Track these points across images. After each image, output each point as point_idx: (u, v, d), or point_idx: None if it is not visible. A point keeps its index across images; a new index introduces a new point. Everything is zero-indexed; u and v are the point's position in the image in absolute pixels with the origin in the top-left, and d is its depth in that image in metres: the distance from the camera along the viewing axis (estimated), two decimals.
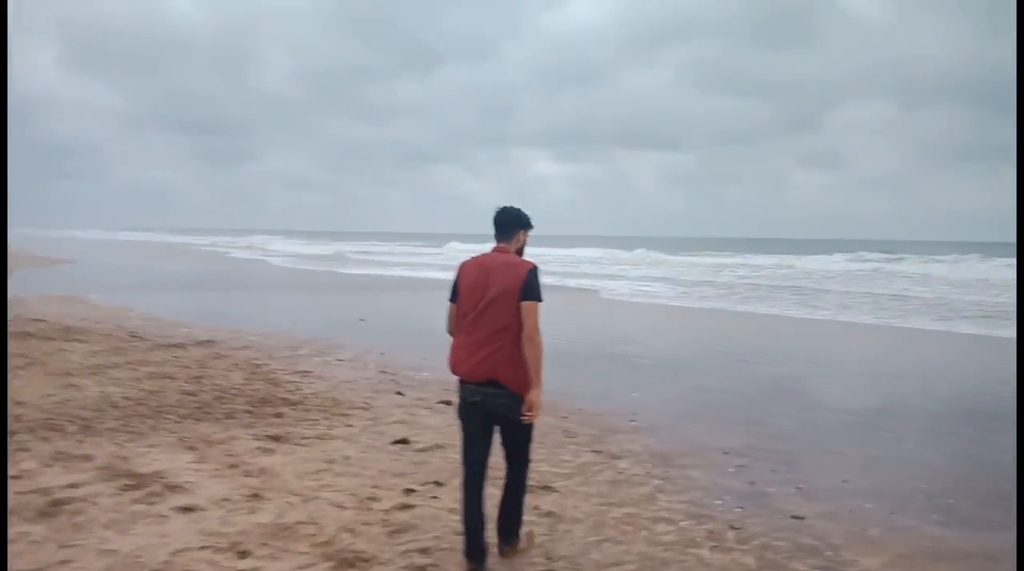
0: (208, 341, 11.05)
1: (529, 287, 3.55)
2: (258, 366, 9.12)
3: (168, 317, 14.01)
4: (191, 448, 5.59)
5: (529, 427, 3.73)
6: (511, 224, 3.79)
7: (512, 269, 3.61)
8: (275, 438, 5.93)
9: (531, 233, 3.89)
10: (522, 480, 3.89)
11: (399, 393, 7.78)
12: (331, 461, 5.37)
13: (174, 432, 6.02)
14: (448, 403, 7.34)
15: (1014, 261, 37.29)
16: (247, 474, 5.03)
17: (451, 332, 3.80)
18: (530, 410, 3.57)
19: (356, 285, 25.26)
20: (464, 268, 3.76)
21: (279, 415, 6.69)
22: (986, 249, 51.55)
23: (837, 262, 39.13)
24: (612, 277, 29.55)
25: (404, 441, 5.91)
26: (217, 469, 5.12)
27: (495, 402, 3.62)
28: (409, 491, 4.81)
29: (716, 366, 10.44)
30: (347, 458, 5.46)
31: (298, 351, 10.42)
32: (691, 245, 68.69)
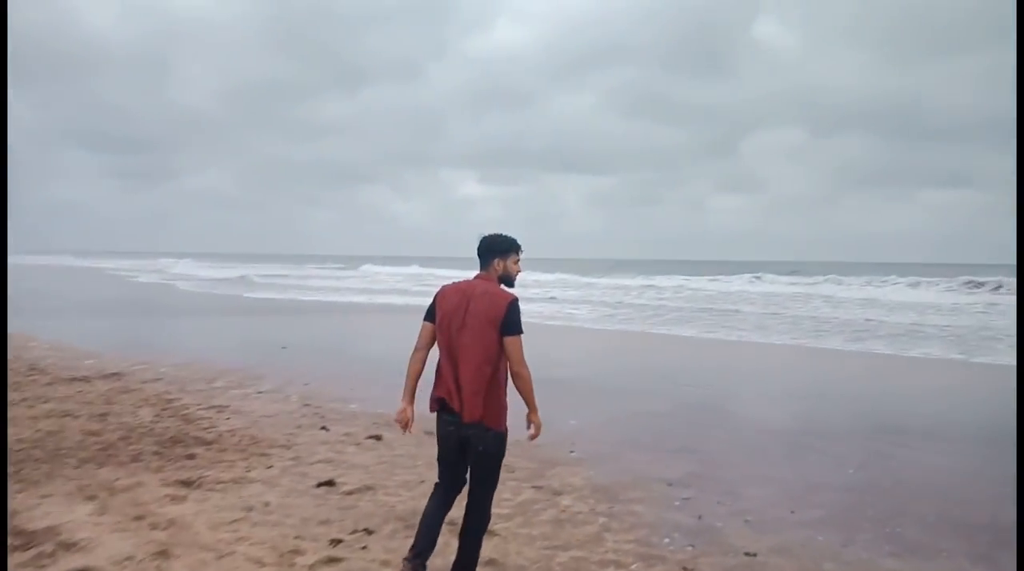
0: (116, 373, 10.32)
1: (511, 321, 3.55)
2: (170, 401, 8.50)
3: (74, 347, 13.11)
4: (91, 497, 5.05)
5: (497, 458, 3.67)
6: (485, 253, 3.76)
7: (492, 299, 3.61)
8: (186, 483, 5.42)
9: (501, 258, 3.78)
10: (486, 508, 3.73)
11: (324, 428, 7.31)
12: (249, 508, 4.90)
13: (72, 479, 5.45)
14: (378, 438, 6.93)
15: (921, 280, 38.92)
16: (154, 527, 4.53)
17: (417, 348, 3.79)
18: (536, 431, 3.74)
19: (276, 310, 24.38)
20: (444, 293, 3.73)
21: (191, 456, 6.16)
22: (896, 270, 54.00)
23: (754, 283, 40.08)
24: (532, 300, 29.39)
25: (330, 483, 5.48)
26: (120, 522, 4.60)
27: (468, 432, 3.58)
28: (336, 541, 4.39)
29: (647, 389, 10.28)
30: (267, 504, 4.99)
31: (214, 383, 9.81)
32: (615, 267, 69.49)
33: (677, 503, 5.41)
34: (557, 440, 7.10)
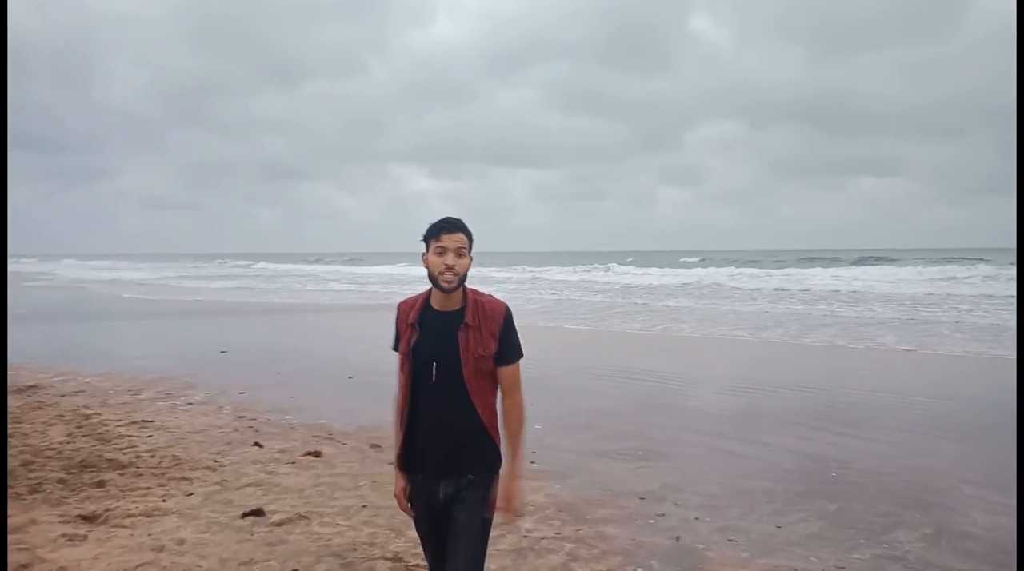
0: (32, 386, 9.42)
1: None
2: (87, 417, 7.67)
3: None
4: None
5: None
6: None
7: None
8: (89, 518, 4.68)
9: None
10: None
11: (257, 444, 6.58)
12: (159, 549, 4.19)
13: None
14: (316, 454, 6.25)
15: (850, 270, 39.43)
16: None
17: None
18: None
19: (213, 311, 23.32)
20: None
21: (101, 484, 5.40)
22: (829, 255, 55.23)
23: (699, 275, 40.07)
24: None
25: (257, 512, 4.78)
26: None
27: None
28: None
29: (602, 388, 9.74)
30: (180, 543, 4.29)
31: (140, 395, 8.98)
32: (563, 259, 69.21)
33: (651, 521, 4.86)
34: None
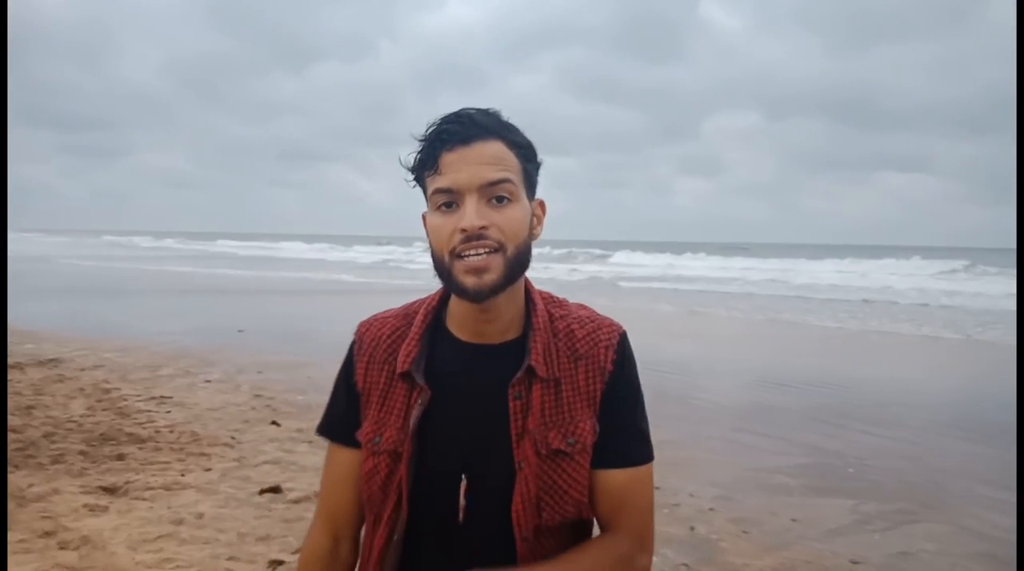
0: (53, 360, 9.54)
1: None
2: (107, 391, 7.77)
3: (18, 329, 12.23)
4: None
5: None
6: None
7: None
8: (110, 490, 4.75)
9: None
10: None
11: (274, 423, 6.64)
12: (178, 522, 4.25)
13: None
14: None
15: (851, 262, 39.11)
16: (63, 546, 3.88)
17: None
18: None
19: (232, 289, 23.48)
20: None
21: (121, 457, 5.48)
22: (855, 252, 54.60)
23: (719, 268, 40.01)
24: None
25: (274, 490, 4.84)
26: (24, 540, 3.93)
27: None
28: (275, 563, 3.77)
29: None
30: (199, 516, 4.35)
31: (159, 371, 9.07)
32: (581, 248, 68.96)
33: (666, 511, 4.87)
34: None
